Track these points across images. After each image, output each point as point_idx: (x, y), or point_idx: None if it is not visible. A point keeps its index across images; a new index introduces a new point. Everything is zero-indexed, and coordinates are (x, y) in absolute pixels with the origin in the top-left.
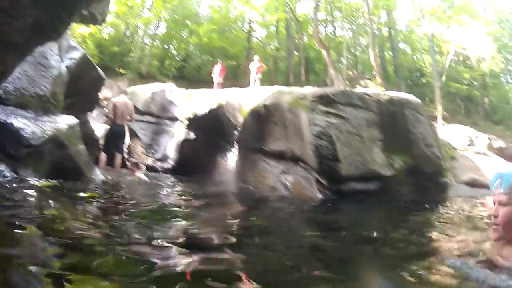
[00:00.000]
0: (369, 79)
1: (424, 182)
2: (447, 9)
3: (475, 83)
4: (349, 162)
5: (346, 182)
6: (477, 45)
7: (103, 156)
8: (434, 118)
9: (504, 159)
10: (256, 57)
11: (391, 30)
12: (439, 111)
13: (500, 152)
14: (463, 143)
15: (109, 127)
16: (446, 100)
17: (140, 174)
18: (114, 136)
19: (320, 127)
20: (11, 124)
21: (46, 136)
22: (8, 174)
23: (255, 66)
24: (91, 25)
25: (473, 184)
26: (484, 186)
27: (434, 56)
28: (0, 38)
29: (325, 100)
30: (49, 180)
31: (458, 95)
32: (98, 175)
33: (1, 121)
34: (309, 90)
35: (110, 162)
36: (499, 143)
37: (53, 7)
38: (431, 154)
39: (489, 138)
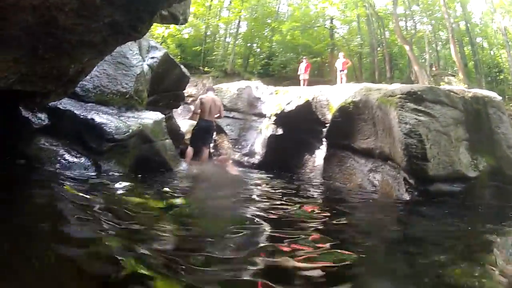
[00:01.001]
0: (452, 75)
1: (504, 185)
2: None
3: None
4: (437, 162)
5: (433, 183)
6: None
7: (190, 150)
8: None
9: None
10: (341, 54)
11: (468, 23)
12: None
13: None
14: None
15: (197, 122)
16: None
17: (230, 167)
18: (202, 132)
19: (409, 125)
20: (93, 119)
21: (130, 130)
22: (89, 166)
23: (340, 62)
24: (170, 26)
25: None
26: None
27: (510, 52)
28: (74, 38)
29: (413, 97)
30: (134, 173)
31: None
32: (185, 168)
33: (81, 116)
34: (397, 87)
35: (197, 157)
36: None
37: (132, 7)
38: None
39: None
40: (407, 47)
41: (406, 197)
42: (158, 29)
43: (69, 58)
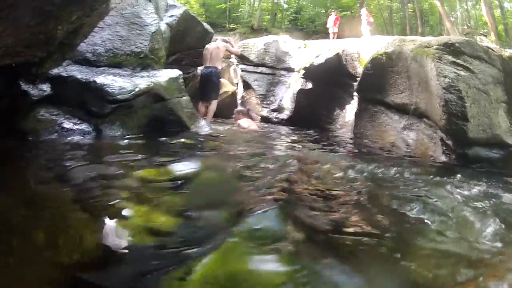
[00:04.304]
0: (484, 35)
1: None
2: None
3: None
4: (477, 123)
5: (472, 146)
6: None
7: (200, 106)
8: None
9: None
10: (363, 10)
11: None
12: None
13: None
14: None
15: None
16: None
17: (246, 123)
18: (203, 81)
19: (449, 79)
20: (94, 82)
21: (137, 89)
22: (89, 131)
23: (364, 18)
24: None
25: None
26: None
27: None
28: None
29: (451, 49)
30: (144, 133)
31: None
32: (203, 127)
33: (83, 80)
34: (433, 38)
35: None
36: None
37: None
38: None
39: None
40: (438, 3)
41: (443, 159)
42: None
43: (55, 20)
